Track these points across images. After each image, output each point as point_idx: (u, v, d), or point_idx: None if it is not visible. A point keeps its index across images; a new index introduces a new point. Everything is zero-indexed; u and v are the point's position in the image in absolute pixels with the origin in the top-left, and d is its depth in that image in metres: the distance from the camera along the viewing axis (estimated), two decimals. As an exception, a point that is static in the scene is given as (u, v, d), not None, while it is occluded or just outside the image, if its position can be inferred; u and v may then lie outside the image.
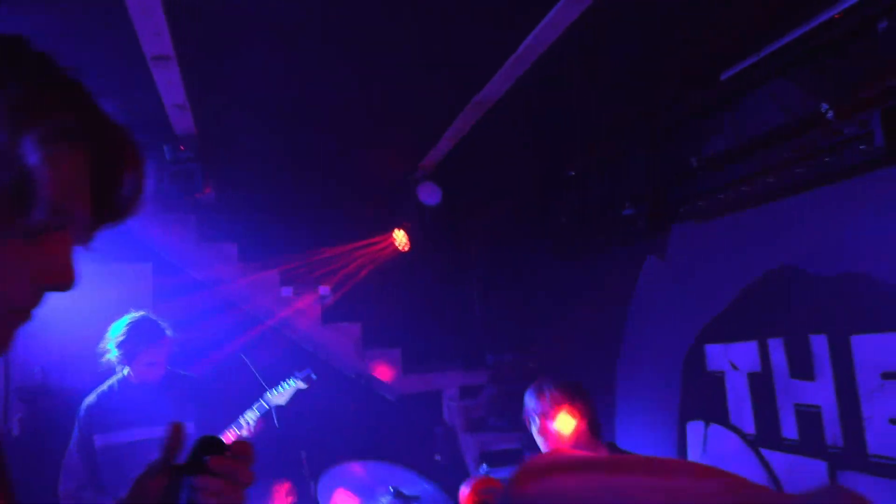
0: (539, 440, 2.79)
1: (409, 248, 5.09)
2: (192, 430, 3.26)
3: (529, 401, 2.80)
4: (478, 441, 5.07)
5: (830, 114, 2.83)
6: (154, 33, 2.65)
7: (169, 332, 3.26)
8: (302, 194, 4.98)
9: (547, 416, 2.72)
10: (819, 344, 3.07)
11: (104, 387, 3.31)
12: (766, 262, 3.34)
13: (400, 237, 5.09)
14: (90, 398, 3.27)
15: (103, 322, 5.15)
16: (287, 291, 5.13)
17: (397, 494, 3.11)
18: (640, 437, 4.43)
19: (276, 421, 3.41)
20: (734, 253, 3.55)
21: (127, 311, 5.52)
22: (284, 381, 3.50)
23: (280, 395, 3.44)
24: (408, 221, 4.89)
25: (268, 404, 3.41)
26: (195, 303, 5.29)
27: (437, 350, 5.42)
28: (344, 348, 5.21)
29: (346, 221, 5.12)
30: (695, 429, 3.84)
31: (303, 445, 4.46)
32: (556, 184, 4.53)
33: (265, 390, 3.46)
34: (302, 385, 3.47)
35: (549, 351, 5.25)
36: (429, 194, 4.58)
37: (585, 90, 3.59)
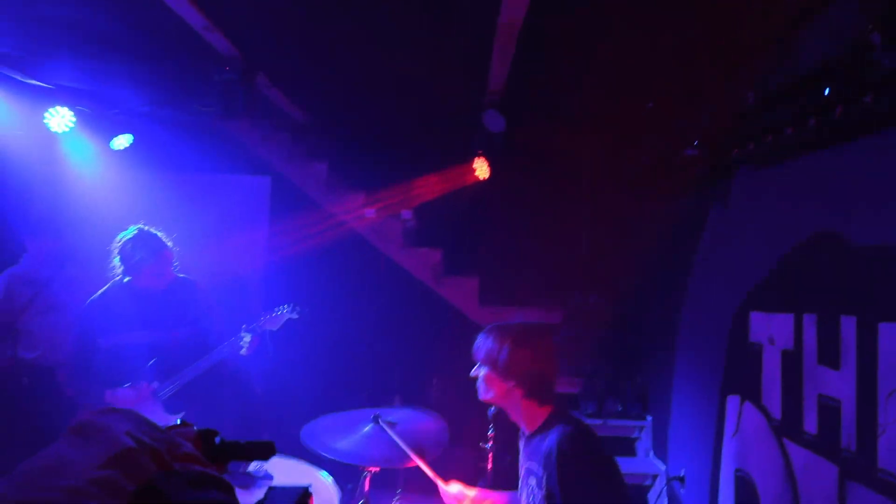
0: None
1: (490, 177, 5.01)
2: (185, 335, 3.64)
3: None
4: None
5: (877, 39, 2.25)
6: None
7: (169, 244, 3.61)
8: (386, 123, 5.10)
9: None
10: (848, 327, 2.56)
11: (103, 290, 3.64)
12: (815, 222, 2.80)
13: (480, 165, 5.02)
14: (93, 298, 3.64)
15: (221, 231, 5.88)
16: (370, 213, 5.37)
17: (377, 420, 3.23)
18: (687, 405, 4.09)
19: (269, 345, 3.67)
20: (787, 208, 3.01)
21: (244, 221, 6.20)
22: (279, 308, 3.70)
23: (272, 320, 3.65)
24: (483, 150, 4.80)
25: (261, 328, 3.62)
26: (300, 218, 5.78)
27: (514, 284, 5.36)
28: (422, 273, 5.37)
29: (429, 150, 5.16)
30: (732, 404, 3.44)
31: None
32: (633, 120, 4.13)
33: (266, 315, 3.67)
34: (294, 315, 3.66)
35: (627, 298, 4.95)
36: (493, 122, 4.43)
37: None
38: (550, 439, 2.23)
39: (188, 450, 1.05)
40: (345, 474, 3.33)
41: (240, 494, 1.34)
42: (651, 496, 4.48)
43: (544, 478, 2.19)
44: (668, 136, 3.83)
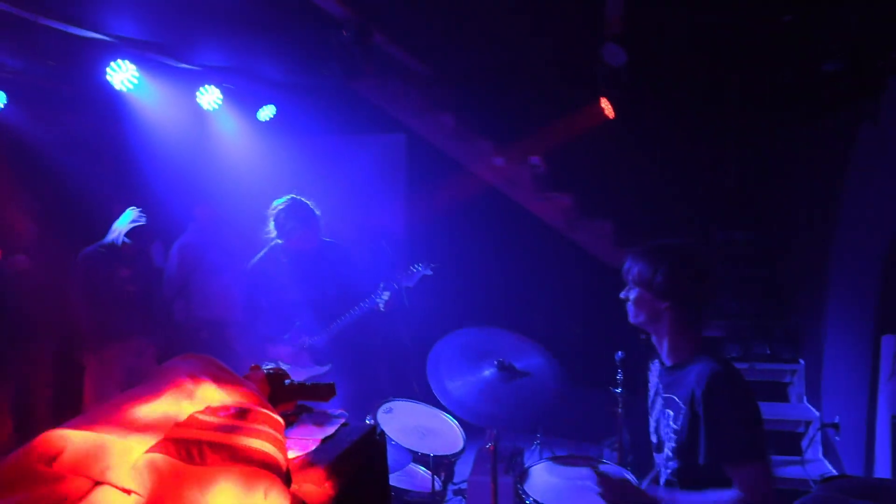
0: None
1: (618, 115, 4.85)
2: (333, 293, 3.94)
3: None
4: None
5: None
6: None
7: (317, 212, 3.90)
8: (507, 69, 5.07)
9: None
10: None
11: (262, 253, 4.02)
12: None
13: (605, 105, 4.87)
14: (254, 261, 4.04)
15: (362, 189, 6.22)
16: (499, 161, 5.41)
17: (502, 367, 3.30)
18: (841, 346, 3.79)
19: (405, 300, 3.88)
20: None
21: (384, 178, 6.49)
22: (414, 265, 3.87)
23: (408, 277, 3.83)
24: (607, 87, 4.65)
25: (397, 283, 3.84)
26: (434, 172, 5.97)
27: (651, 224, 5.17)
28: (554, 219, 5.36)
29: (553, 93, 5.07)
30: (887, 344, 3.15)
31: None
32: (766, 35, 3.79)
33: (403, 272, 3.88)
34: (428, 272, 3.84)
35: (773, 232, 4.62)
36: (613, 55, 4.26)
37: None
38: (697, 373, 2.12)
39: (250, 389, 1.23)
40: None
41: (314, 431, 1.52)
42: (804, 444, 4.24)
43: (687, 412, 2.14)
44: (808, 50, 3.49)
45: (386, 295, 3.83)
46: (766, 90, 4.07)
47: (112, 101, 4.55)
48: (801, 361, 4.50)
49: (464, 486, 4.06)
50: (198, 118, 5.23)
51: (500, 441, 3.25)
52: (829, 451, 4.04)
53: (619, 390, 3.81)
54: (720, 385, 2.07)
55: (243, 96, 5.38)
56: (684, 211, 5.09)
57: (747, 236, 4.95)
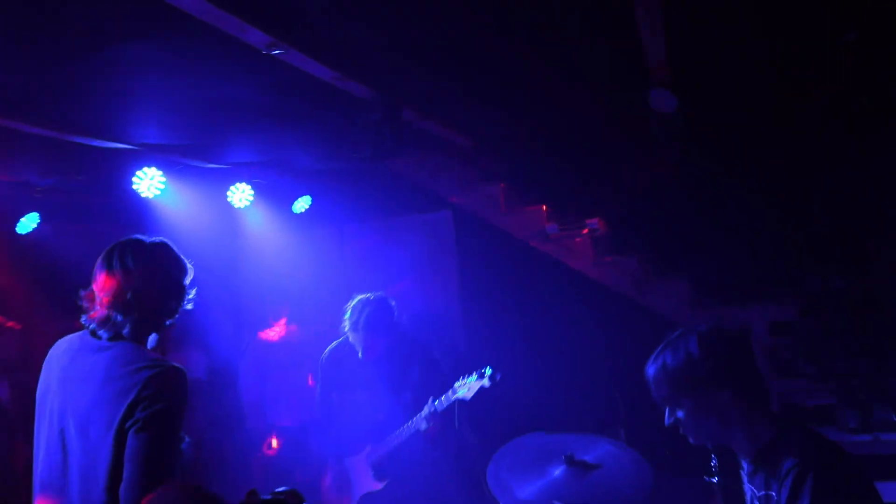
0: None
1: (677, 164, 4.69)
2: (408, 399, 3.79)
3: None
4: (780, 392, 4.50)
5: None
6: None
7: (392, 302, 3.83)
8: (551, 130, 5.01)
9: None
10: None
11: (336, 343, 4.04)
12: None
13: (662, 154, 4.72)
14: (326, 352, 4.07)
15: (412, 266, 6.15)
16: (553, 229, 5.28)
17: (571, 462, 3.07)
18: None
19: (456, 420, 3.60)
20: None
21: (432, 256, 6.40)
22: (469, 375, 3.59)
23: (467, 387, 3.55)
24: (661, 137, 4.51)
25: (448, 400, 3.58)
26: (485, 246, 5.88)
27: (732, 279, 4.90)
28: (620, 284, 5.15)
29: (603, 148, 4.97)
30: None
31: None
32: (831, 57, 3.62)
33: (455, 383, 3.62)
34: (486, 383, 3.51)
35: (880, 273, 4.29)
36: (662, 101, 4.14)
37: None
38: (790, 457, 1.91)
39: None
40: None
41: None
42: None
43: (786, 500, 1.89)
44: (880, 68, 3.30)
45: (433, 407, 3.62)
46: (844, 116, 3.85)
47: (140, 209, 4.67)
48: (936, 425, 4.07)
49: None
50: (230, 217, 5.31)
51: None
52: None
53: (714, 479, 3.47)
54: (822, 465, 1.85)
55: (276, 190, 5.46)
56: (770, 260, 4.81)
57: (847, 282, 4.61)
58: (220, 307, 5.28)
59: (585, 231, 5.21)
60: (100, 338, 2.16)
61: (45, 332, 4.58)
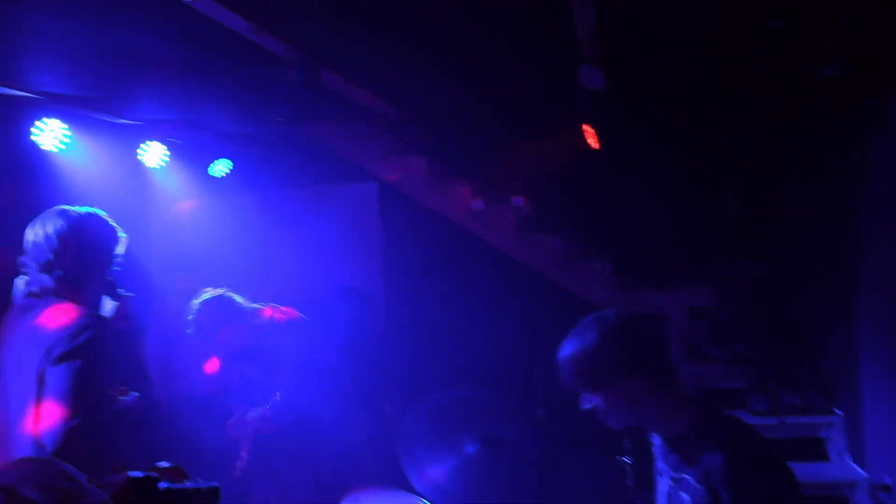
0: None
1: (602, 145, 4.69)
2: None
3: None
4: (694, 375, 4.58)
5: None
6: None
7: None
8: (476, 104, 4.94)
9: None
10: None
11: None
12: None
13: (588, 132, 4.71)
14: None
15: (335, 237, 6.04)
16: (478, 205, 5.23)
17: (487, 442, 3.05)
18: (884, 390, 3.51)
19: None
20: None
21: (357, 230, 6.28)
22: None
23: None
24: (587, 115, 4.50)
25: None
26: (409, 221, 5.80)
27: (651, 263, 4.96)
28: (542, 263, 5.15)
29: (525, 123, 4.93)
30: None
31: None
32: (756, 44, 3.65)
33: None
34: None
35: (790, 262, 4.39)
36: (590, 78, 4.12)
37: None
38: (709, 447, 1.91)
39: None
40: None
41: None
42: (850, 509, 3.91)
43: (706, 493, 1.89)
44: (804, 56, 3.34)
45: None
46: (763, 105, 3.91)
47: (42, 163, 4.41)
48: (839, 412, 4.20)
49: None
50: (141, 177, 5.08)
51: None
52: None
53: (627, 459, 3.51)
54: (739, 454, 1.88)
55: (192, 151, 5.24)
56: (687, 246, 4.88)
57: (759, 271, 4.72)
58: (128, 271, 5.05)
59: (510, 208, 5.19)
60: (36, 296, 2.43)
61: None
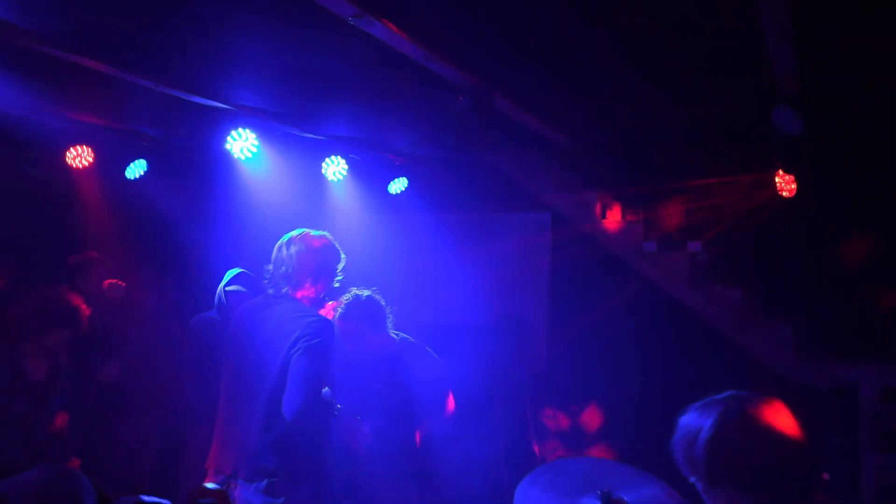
0: None
1: (795, 194, 4.26)
2: None
3: None
4: (888, 465, 3.99)
5: None
6: None
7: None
8: (658, 139, 4.69)
9: None
10: None
11: None
12: None
13: (782, 179, 4.30)
14: None
15: (504, 264, 6.01)
16: (650, 246, 4.96)
17: (606, 500, 2.86)
18: None
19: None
20: None
21: (526, 256, 6.18)
22: None
23: None
24: (780, 159, 4.11)
25: None
26: (579, 254, 5.64)
27: (845, 330, 4.39)
28: (719, 317, 4.75)
29: (713, 167, 4.59)
30: None
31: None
32: None
33: None
34: None
35: None
36: (786, 121, 3.74)
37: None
38: None
39: None
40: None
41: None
42: None
43: None
44: None
45: None
46: None
47: (232, 170, 4.80)
48: None
49: None
50: (321, 189, 5.37)
51: None
52: None
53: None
54: None
55: (370, 168, 5.47)
56: (890, 315, 4.27)
57: None
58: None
59: (686, 254, 4.86)
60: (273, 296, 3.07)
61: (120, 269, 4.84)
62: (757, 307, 4.67)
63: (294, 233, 3.16)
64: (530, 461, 4.82)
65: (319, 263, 3.09)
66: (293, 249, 3.08)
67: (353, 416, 3.47)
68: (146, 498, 1.25)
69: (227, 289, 4.36)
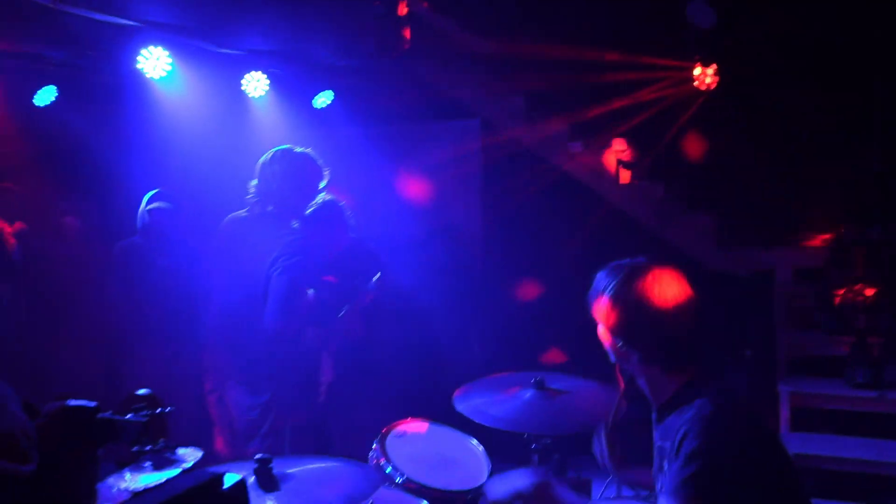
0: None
1: (715, 88, 4.37)
2: None
3: None
4: (798, 340, 4.30)
5: None
6: None
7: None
8: (576, 39, 4.70)
9: None
10: None
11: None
12: None
13: (705, 73, 4.40)
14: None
15: (435, 172, 6.03)
16: (576, 146, 5.05)
17: (540, 387, 3.03)
18: None
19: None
20: None
21: (456, 168, 6.23)
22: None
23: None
24: (697, 52, 4.19)
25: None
26: (508, 159, 5.70)
27: (760, 220, 4.62)
28: (643, 211, 4.93)
29: (631, 64, 4.64)
30: None
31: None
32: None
33: None
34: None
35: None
36: (700, 15, 3.82)
37: None
38: (685, 418, 1.83)
39: None
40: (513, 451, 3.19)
41: (151, 474, 1.34)
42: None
43: (673, 465, 1.82)
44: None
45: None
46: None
47: (147, 90, 4.63)
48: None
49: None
50: (243, 106, 5.23)
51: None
52: None
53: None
54: (711, 431, 1.72)
55: (293, 83, 5.33)
56: (803, 203, 4.50)
57: (886, 235, 4.30)
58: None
59: (609, 151, 4.98)
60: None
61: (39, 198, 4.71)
62: (680, 201, 4.84)
63: (277, 149, 3.26)
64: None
65: (302, 180, 3.18)
66: (276, 167, 3.18)
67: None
68: (72, 402, 1.27)
69: (148, 207, 4.29)
